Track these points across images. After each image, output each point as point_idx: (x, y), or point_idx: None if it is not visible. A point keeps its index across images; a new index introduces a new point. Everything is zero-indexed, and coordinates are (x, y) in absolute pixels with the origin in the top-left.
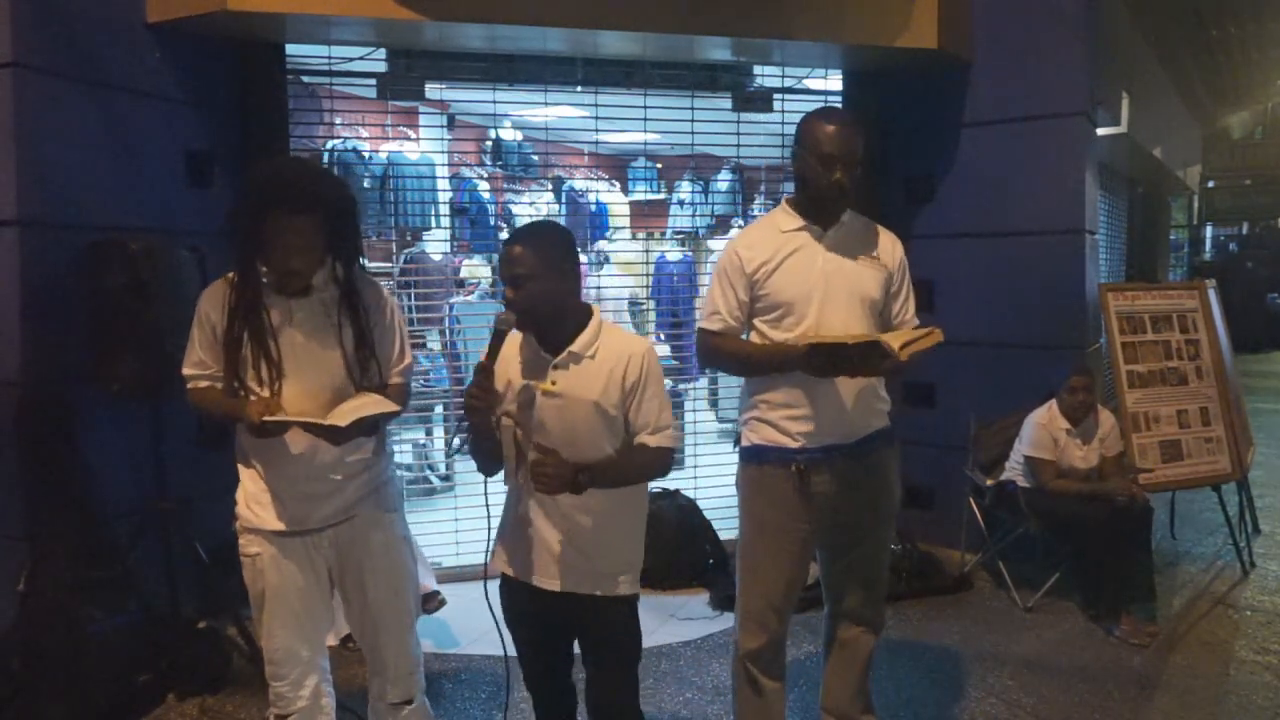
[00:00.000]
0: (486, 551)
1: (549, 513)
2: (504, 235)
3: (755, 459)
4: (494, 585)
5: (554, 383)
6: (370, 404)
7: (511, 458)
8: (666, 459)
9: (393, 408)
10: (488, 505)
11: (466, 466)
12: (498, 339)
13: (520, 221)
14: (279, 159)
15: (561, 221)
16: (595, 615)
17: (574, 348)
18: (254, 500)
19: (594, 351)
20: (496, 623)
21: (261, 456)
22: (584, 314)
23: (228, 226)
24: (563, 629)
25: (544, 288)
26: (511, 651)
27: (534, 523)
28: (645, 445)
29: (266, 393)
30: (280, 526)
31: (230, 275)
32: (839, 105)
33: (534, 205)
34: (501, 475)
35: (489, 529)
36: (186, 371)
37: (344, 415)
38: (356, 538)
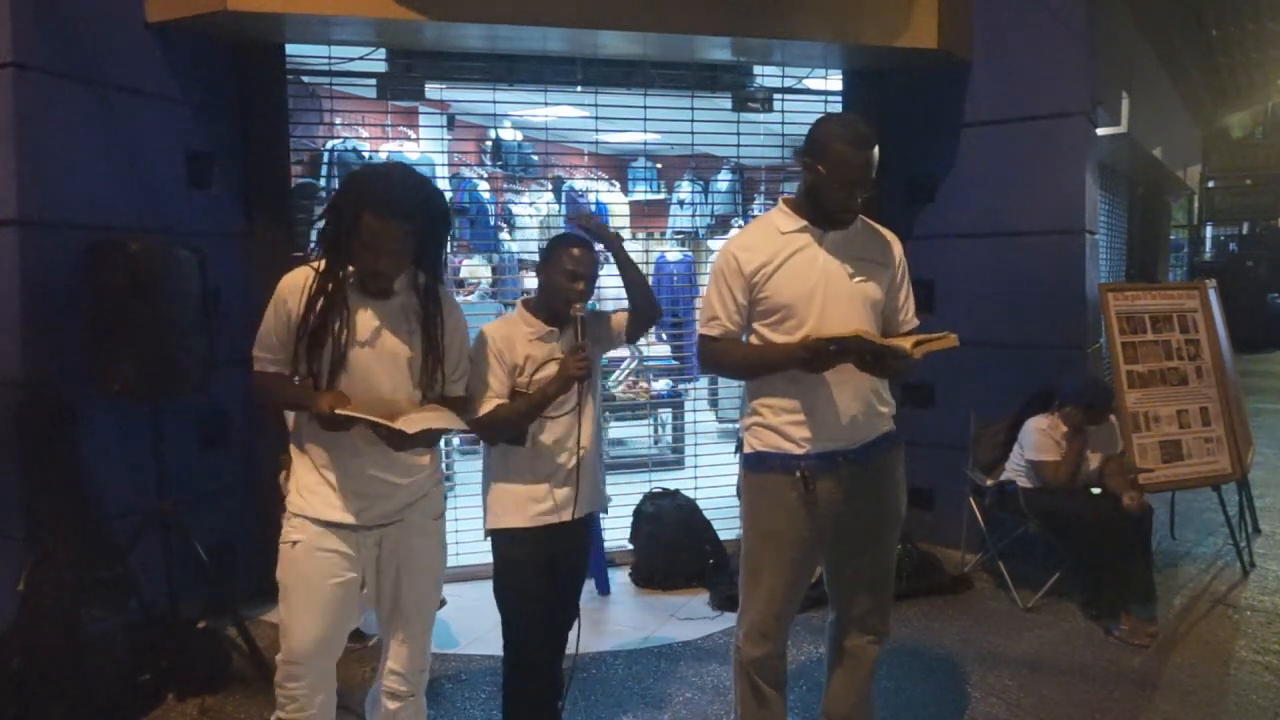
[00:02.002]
0: (571, 511)
1: (588, 455)
2: (505, 235)
3: (758, 465)
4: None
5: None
6: (441, 418)
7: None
8: None
9: (460, 425)
10: (577, 480)
11: (466, 467)
12: (583, 324)
13: (520, 222)
14: (389, 164)
15: (562, 221)
16: (585, 535)
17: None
18: (306, 489)
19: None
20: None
21: (323, 447)
22: None
23: (325, 218)
24: (564, 565)
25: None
26: (496, 650)
27: (584, 467)
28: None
29: (329, 385)
30: (330, 516)
31: (315, 264)
32: (840, 106)
33: (534, 205)
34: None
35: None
36: (256, 354)
37: (413, 423)
38: (402, 541)
